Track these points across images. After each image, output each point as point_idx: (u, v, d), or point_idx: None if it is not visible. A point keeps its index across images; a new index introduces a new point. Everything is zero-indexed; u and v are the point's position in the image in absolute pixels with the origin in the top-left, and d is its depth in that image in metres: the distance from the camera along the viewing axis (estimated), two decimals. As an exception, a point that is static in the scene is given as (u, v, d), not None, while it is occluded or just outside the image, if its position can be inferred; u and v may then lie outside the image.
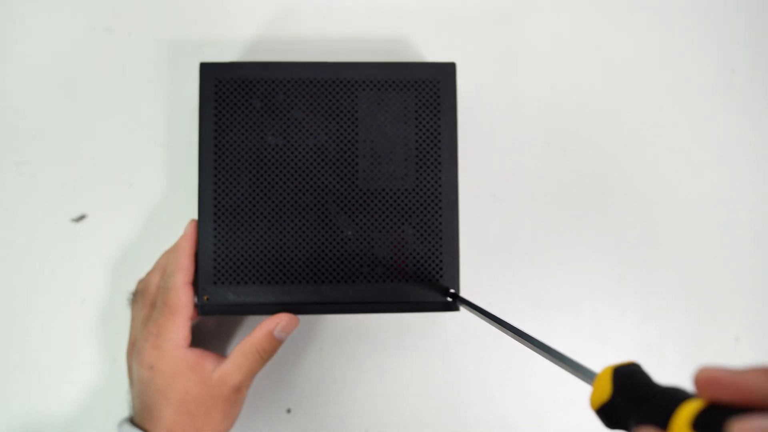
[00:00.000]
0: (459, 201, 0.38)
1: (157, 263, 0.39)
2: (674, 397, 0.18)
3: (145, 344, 0.36)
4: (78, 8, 0.44)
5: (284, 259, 0.37)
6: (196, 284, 0.37)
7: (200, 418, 0.35)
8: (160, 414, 0.35)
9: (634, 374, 0.20)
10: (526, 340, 0.27)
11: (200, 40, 0.45)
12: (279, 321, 0.36)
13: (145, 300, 0.38)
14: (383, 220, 0.38)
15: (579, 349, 0.43)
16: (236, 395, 0.36)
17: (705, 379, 0.16)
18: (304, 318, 0.43)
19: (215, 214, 0.37)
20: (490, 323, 0.30)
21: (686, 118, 0.46)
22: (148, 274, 0.39)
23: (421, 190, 0.38)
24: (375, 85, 0.39)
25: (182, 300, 0.36)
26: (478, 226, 0.44)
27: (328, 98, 0.38)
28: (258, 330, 0.36)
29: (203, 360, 0.36)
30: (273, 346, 0.37)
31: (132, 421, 0.36)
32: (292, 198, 0.38)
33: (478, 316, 0.32)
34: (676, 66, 0.46)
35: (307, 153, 0.38)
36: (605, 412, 0.21)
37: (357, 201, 0.38)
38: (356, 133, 0.38)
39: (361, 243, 0.38)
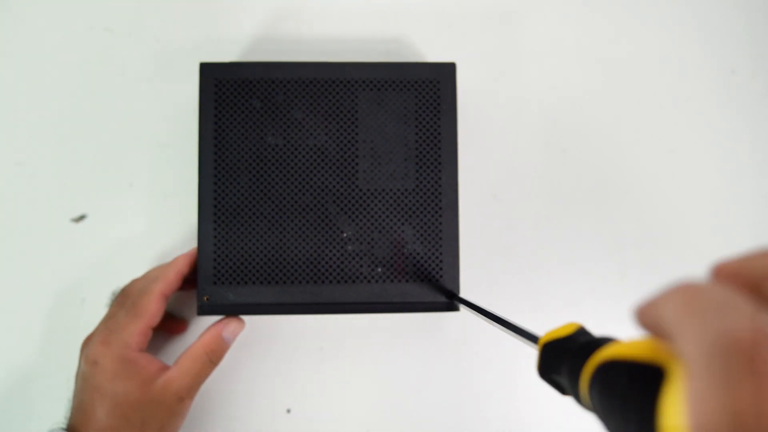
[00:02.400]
0: (459, 201, 0.38)
1: (149, 272, 0.39)
2: (591, 346, 0.19)
3: (96, 339, 0.35)
4: (78, 8, 0.44)
5: (284, 259, 0.37)
6: (196, 286, 0.37)
7: (135, 425, 0.33)
8: (94, 414, 0.33)
9: (559, 343, 0.21)
10: (523, 336, 0.27)
11: (200, 40, 0.45)
12: (227, 323, 0.37)
13: (120, 300, 0.38)
14: (383, 220, 0.38)
15: (579, 349, 0.43)
16: (178, 405, 0.35)
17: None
18: (304, 318, 0.43)
19: (215, 214, 0.37)
20: (490, 323, 0.30)
21: (686, 119, 0.46)
22: (135, 280, 0.39)
23: (421, 190, 0.38)
24: (375, 85, 0.39)
25: (150, 307, 0.36)
26: (478, 226, 0.44)
27: (328, 98, 0.38)
28: (206, 333, 0.36)
29: (150, 365, 0.35)
30: (221, 347, 0.36)
31: (67, 429, 0.34)
32: (292, 198, 0.38)
33: (479, 316, 0.32)
34: (676, 66, 0.46)
35: (307, 153, 0.38)
36: (545, 375, 0.22)
37: (357, 201, 0.38)
38: (356, 133, 0.38)
39: (361, 243, 0.38)
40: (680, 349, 0.12)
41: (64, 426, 0.34)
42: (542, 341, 0.22)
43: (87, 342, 0.36)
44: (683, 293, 0.12)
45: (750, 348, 0.10)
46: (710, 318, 0.11)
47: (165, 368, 0.35)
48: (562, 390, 0.21)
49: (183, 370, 0.35)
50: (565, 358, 0.20)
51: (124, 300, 0.37)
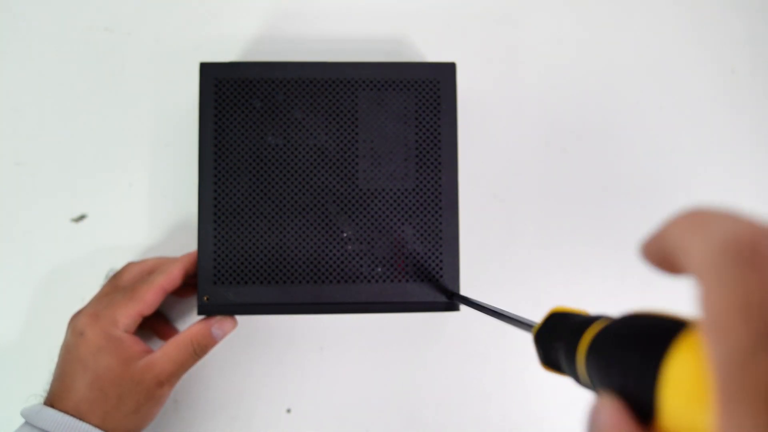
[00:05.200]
0: (459, 201, 0.38)
1: (148, 260, 0.40)
2: (590, 321, 0.19)
3: (87, 311, 0.36)
4: (78, 8, 0.44)
5: (284, 259, 0.37)
6: (195, 286, 0.37)
7: (111, 401, 0.33)
8: (73, 385, 0.34)
9: (566, 316, 0.22)
10: (522, 325, 0.27)
11: (200, 40, 0.45)
12: (220, 320, 0.37)
13: (115, 281, 0.38)
14: (383, 220, 0.38)
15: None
16: (156, 389, 0.35)
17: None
18: (304, 318, 0.43)
19: (215, 214, 0.37)
20: (494, 317, 0.30)
21: (686, 118, 0.46)
22: (134, 263, 0.40)
23: (421, 190, 0.38)
24: (375, 85, 0.39)
25: (148, 296, 0.36)
26: (478, 226, 0.44)
27: (328, 98, 0.38)
28: (195, 325, 0.36)
29: (134, 345, 0.35)
30: (207, 341, 0.36)
31: (45, 398, 0.34)
32: (292, 198, 0.38)
33: (482, 312, 0.32)
34: (676, 66, 0.46)
35: (307, 153, 0.38)
36: (540, 338, 0.22)
37: (357, 201, 0.38)
38: (356, 133, 0.38)
39: (361, 243, 0.38)
40: (688, 260, 0.13)
41: (43, 395, 0.35)
42: (553, 310, 0.23)
43: (76, 315, 0.37)
44: (686, 216, 0.13)
45: (751, 246, 0.11)
46: (713, 228, 0.12)
47: (149, 351, 0.36)
48: (548, 360, 0.22)
49: (166, 356, 0.35)
50: (565, 329, 0.20)
51: (119, 282, 0.38)
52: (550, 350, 0.21)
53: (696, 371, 0.12)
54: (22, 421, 0.33)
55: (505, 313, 0.29)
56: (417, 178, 0.38)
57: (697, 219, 0.13)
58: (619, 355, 0.15)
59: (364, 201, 0.38)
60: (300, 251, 0.37)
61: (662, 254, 0.14)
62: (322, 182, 0.38)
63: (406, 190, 0.38)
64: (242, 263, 0.37)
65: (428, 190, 0.38)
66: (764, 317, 0.10)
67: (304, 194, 0.38)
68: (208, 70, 0.38)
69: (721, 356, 0.11)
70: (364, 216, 0.38)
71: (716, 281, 0.11)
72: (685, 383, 0.13)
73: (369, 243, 0.38)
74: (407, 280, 0.37)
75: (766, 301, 0.10)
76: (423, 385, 0.43)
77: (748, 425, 0.10)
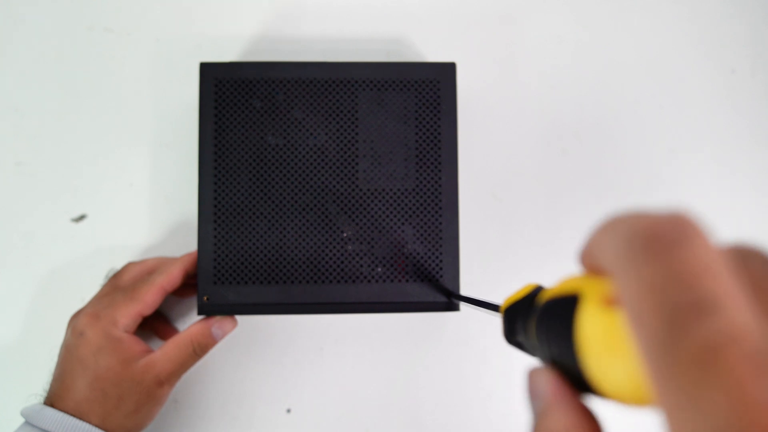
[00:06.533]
0: (459, 201, 0.38)
1: (148, 260, 0.40)
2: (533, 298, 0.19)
3: (87, 311, 0.36)
4: (77, 8, 0.44)
5: (284, 259, 0.37)
6: (195, 286, 0.37)
7: (112, 401, 0.34)
8: (73, 385, 0.34)
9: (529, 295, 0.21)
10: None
11: (200, 40, 0.45)
12: (220, 320, 0.37)
13: (115, 281, 0.38)
14: (383, 220, 0.38)
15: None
16: (157, 389, 0.35)
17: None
18: (304, 318, 0.43)
19: (215, 214, 0.37)
20: (494, 315, 0.30)
21: (686, 118, 0.46)
22: (134, 263, 0.40)
23: (421, 190, 0.38)
24: (375, 85, 0.39)
25: (148, 297, 0.36)
26: (478, 226, 0.44)
27: (328, 98, 0.38)
28: (195, 324, 0.37)
29: (135, 345, 0.35)
30: (207, 341, 0.37)
31: (45, 398, 0.35)
32: (292, 198, 0.38)
33: (482, 310, 0.32)
34: (676, 66, 0.46)
35: (307, 153, 0.38)
36: (510, 340, 0.21)
37: (357, 201, 0.38)
38: (356, 133, 0.38)
39: (361, 243, 0.38)
40: (603, 261, 0.13)
41: (43, 395, 0.35)
42: (502, 308, 0.22)
43: (76, 314, 0.37)
44: (601, 223, 0.14)
45: (651, 234, 0.12)
46: (619, 226, 0.13)
47: (149, 351, 0.36)
48: (527, 350, 0.21)
49: (166, 356, 0.35)
50: (518, 318, 0.20)
51: (119, 282, 0.38)
52: (519, 344, 0.21)
53: (602, 325, 0.13)
54: (22, 420, 0.33)
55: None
56: (417, 178, 0.38)
57: (608, 223, 0.14)
58: (551, 324, 0.16)
59: (364, 201, 0.38)
60: (300, 251, 0.37)
61: (592, 262, 0.15)
62: (322, 182, 0.38)
63: (406, 190, 0.38)
64: (242, 263, 0.37)
65: (428, 190, 0.38)
66: (670, 298, 0.11)
67: (304, 194, 0.38)
68: (208, 70, 0.38)
69: (643, 341, 0.11)
70: (364, 216, 0.38)
71: (624, 273, 0.12)
72: (596, 339, 0.13)
73: (369, 243, 0.38)
74: (407, 280, 0.37)
75: (670, 283, 0.11)
76: (423, 385, 0.43)
77: (682, 399, 0.10)
